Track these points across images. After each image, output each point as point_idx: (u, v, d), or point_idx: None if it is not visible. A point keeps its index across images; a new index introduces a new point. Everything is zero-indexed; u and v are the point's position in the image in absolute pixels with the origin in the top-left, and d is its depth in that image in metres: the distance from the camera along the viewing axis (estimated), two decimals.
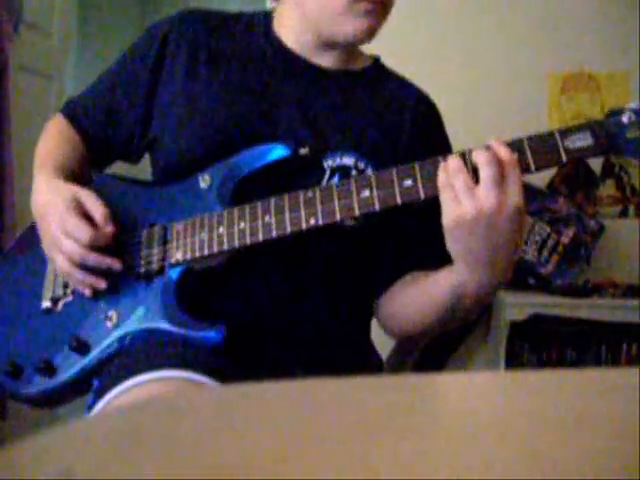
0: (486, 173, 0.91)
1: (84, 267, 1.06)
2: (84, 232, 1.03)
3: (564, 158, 0.93)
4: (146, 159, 1.24)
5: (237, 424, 0.38)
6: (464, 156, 0.94)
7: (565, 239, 2.54)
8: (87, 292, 1.08)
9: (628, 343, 2.57)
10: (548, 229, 2.53)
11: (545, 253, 2.52)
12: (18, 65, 2.57)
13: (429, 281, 1.06)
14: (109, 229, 1.05)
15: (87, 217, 1.06)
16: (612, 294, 2.55)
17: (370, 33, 1.08)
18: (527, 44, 2.77)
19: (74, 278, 1.07)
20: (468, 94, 2.72)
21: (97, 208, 1.06)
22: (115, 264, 1.06)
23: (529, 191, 2.60)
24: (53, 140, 1.21)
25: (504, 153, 0.92)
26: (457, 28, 2.77)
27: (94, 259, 1.05)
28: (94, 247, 1.04)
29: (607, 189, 2.80)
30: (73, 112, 1.24)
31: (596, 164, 2.75)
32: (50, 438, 0.35)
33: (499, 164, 0.91)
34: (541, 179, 2.66)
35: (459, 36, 2.77)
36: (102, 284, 1.07)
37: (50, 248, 1.08)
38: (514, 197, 0.91)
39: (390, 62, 1.23)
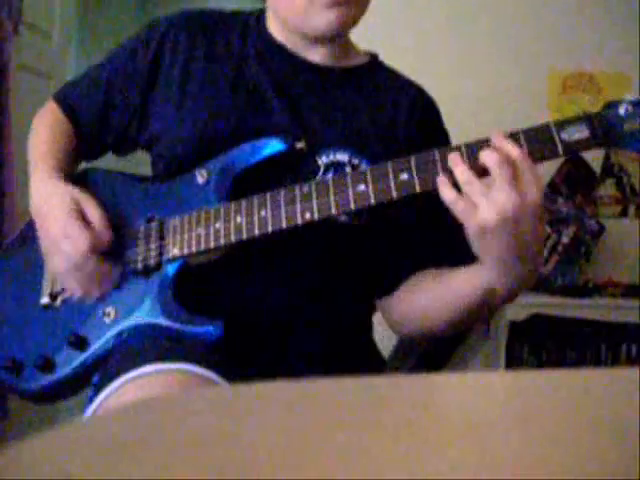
0: (501, 176, 0.88)
1: (80, 271, 1.07)
2: (84, 237, 1.05)
3: (561, 150, 0.92)
4: (135, 155, 1.26)
5: (237, 424, 0.38)
6: (463, 154, 0.93)
7: (565, 239, 2.54)
8: (75, 294, 1.09)
9: (628, 343, 2.57)
10: (548, 229, 2.53)
11: (545, 253, 2.52)
12: (18, 65, 2.57)
13: (458, 279, 1.03)
14: (107, 236, 1.07)
15: (86, 222, 1.07)
16: (612, 294, 2.55)
17: (341, 25, 1.08)
18: (527, 44, 2.77)
19: (69, 280, 1.08)
20: (468, 94, 2.72)
21: (96, 214, 1.07)
22: (112, 273, 1.07)
23: None
24: (48, 133, 1.21)
25: (513, 151, 0.90)
26: (457, 28, 2.77)
27: (92, 265, 1.06)
28: (93, 252, 1.06)
29: (607, 189, 2.80)
30: (68, 101, 1.24)
31: (596, 164, 2.75)
32: (50, 438, 0.35)
33: (511, 164, 0.89)
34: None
35: (459, 36, 2.77)
36: (95, 292, 1.08)
37: (49, 249, 1.09)
38: (532, 194, 0.89)
39: (388, 62, 1.23)
